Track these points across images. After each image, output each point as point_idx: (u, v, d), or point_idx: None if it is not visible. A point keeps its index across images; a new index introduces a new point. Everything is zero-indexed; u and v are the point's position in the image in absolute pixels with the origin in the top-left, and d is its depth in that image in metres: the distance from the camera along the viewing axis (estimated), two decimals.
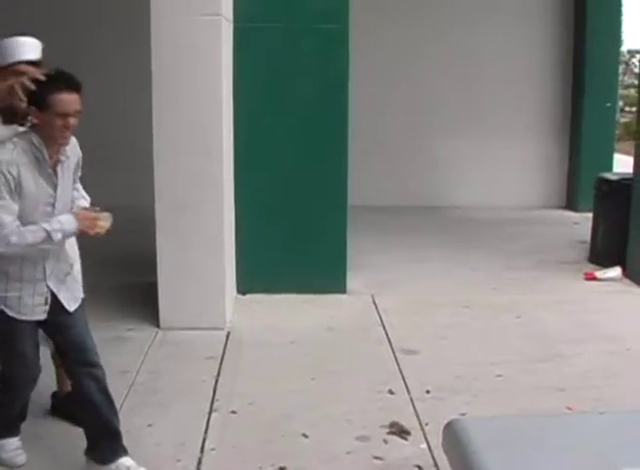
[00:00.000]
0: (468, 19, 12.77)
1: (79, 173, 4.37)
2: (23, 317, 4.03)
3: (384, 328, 6.86)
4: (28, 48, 4.46)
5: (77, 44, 11.67)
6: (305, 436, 4.77)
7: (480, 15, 12.78)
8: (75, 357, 4.21)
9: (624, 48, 25.76)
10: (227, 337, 6.52)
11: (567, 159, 13.51)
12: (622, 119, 23.81)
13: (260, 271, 7.50)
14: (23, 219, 3.83)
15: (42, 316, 4.09)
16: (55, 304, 4.12)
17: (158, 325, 6.61)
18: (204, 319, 6.56)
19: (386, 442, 4.74)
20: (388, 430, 4.87)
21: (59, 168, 4.00)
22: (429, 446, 4.65)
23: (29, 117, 3.95)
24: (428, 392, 5.49)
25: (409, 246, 10.00)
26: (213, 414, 5.06)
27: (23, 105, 3.97)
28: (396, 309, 7.35)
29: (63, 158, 4.02)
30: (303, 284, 7.48)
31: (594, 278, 8.64)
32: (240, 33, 7.11)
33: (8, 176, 3.75)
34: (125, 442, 4.33)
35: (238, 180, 7.23)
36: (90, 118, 11.62)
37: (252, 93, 7.26)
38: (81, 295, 4.37)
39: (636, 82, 10.71)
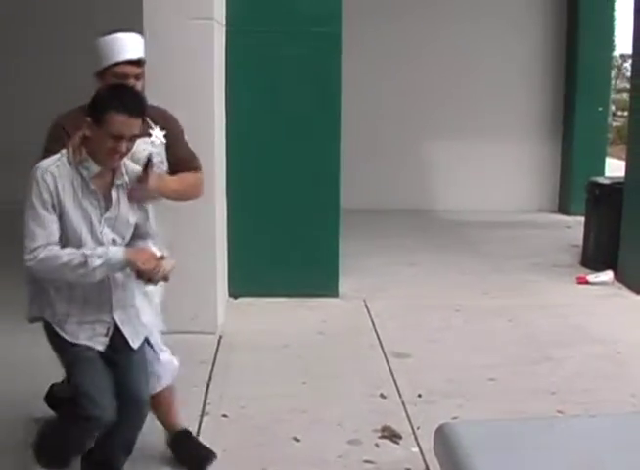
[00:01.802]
0: (460, 22, 12.79)
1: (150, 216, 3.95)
2: (82, 342, 3.71)
3: (375, 332, 6.86)
4: (128, 46, 4.12)
5: (69, 45, 11.67)
6: (297, 440, 4.77)
7: (472, 18, 12.81)
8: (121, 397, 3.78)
9: (617, 52, 25.80)
10: (219, 341, 6.51)
11: (559, 162, 13.55)
12: (615, 124, 23.86)
13: (252, 275, 7.49)
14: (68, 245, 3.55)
15: (100, 347, 3.74)
16: (117, 338, 3.80)
17: None
18: (195, 323, 6.53)
19: (377, 445, 4.74)
20: (379, 434, 4.86)
21: (113, 192, 3.66)
22: (420, 450, 4.65)
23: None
24: (419, 395, 5.49)
25: (401, 249, 10.00)
26: (205, 418, 5.05)
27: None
28: (388, 313, 7.35)
29: (119, 181, 3.68)
30: (295, 287, 7.48)
31: (586, 282, 8.66)
32: (232, 37, 7.11)
33: (42, 185, 3.48)
34: None
35: (230, 183, 7.22)
36: None
37: (245, 97, 7.26)
38: (145, 332, 4.00)
39: (628, 87, 10.72)
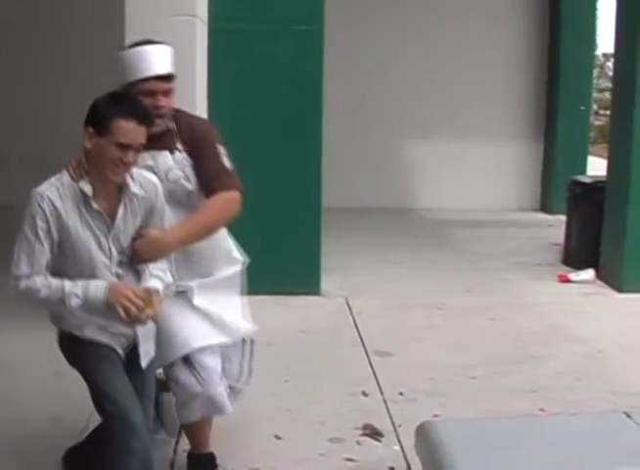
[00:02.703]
0: (442, 21, 12.83)
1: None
2: (103, 340, 3.50)
3: (357, 330, 6.86)
4: (156, 60, 3.81)
5: (49, 44, 11.66)
6: (278, 438, 4.77)
7: (454, 17, 12.84)
8: None
9: (599, 51, 25.88)
10: None
11: (541, 161, 13.60)
12: (597, 123, 23.94)
13: None
14: (70, 270, 3.37)
15: (120, 350, 3.54)
16: (132, 354, 3.60)
17: None
18: None
19: (359, 443, 4.74)
20: (361, 432, 4.87)
21: (120, 210, 3.44)
22: (402, 448, 4.65)
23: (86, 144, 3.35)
24: (401, 394, 5.49)
25: (383, 248, 10.01)
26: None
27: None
28: (370, 311, 7.36)
29: (126, 198, 3.44)
30: (277, 286, 7.46)
31: (567, 280, 8.69)
32: (214, 35, 7.09)
33: (38, 212, 3.28)
34: None
35: None
36: (64, 119, 11.61)
37: (227, 95, 7.24)
38: (152, 353, 3.70)
39: (610, 86, 10.76)
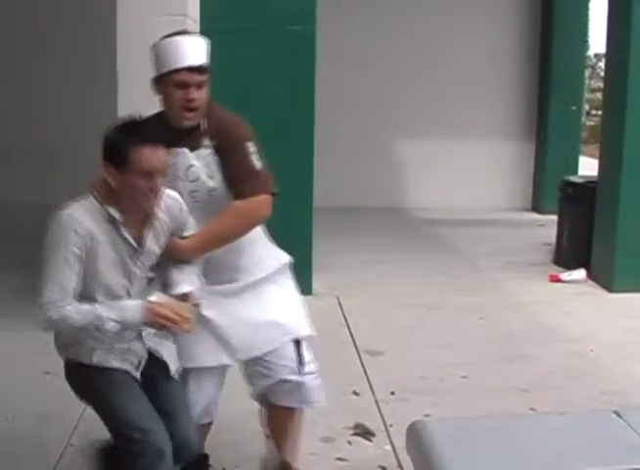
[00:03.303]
0: (433, 20, 12.84)
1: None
2: (113, 365, 3.39)
3: (349, 329, 6.86)
4: (189, 50, 3.68)
5: (36, 44, 11.67)
6: (268, 437, 4.75)
7: (445, 17, 12.86)
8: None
9: (591, 52, 25.96)
10: None
11: (532, 161, 13.62)
12: (589, 123, 23.99)
13: None
14: (87, 291, 3.26)
15: (133, 371, 3.44)
16: (153, 363, 3.51)
17: None
18: None
19: (350, 443, 4.74)
20: (352, 431, 4.87)
21: (148, 238, 3.39)
22: (393, 448, 4.66)
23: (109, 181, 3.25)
24: (392, 393, 5.49)
25: (374, 247, 10.01)
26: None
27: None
28: (361, 311, 7.36)
29: (154, 225, 3.40)
30: None
31: (559, 280, 8.70)
32: (205, 34, 7.08)
33: (70, 235, 3.16)
34: (86, 446, 4.29)
35: None
36: (53, 119, 11.55)
37: (217, 95, 7.23)
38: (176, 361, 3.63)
39: (602, 86, 10.81)
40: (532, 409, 5.18)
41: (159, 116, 3.75)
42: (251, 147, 3.77)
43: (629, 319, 7.46)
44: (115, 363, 3.40)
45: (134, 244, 3.33)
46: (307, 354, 3.96)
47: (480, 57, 13.10)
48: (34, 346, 6.12)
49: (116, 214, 3.26)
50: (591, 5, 14.06)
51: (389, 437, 4.81)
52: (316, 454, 4.57)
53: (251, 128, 3.88)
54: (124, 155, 3.17)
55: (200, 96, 3.65)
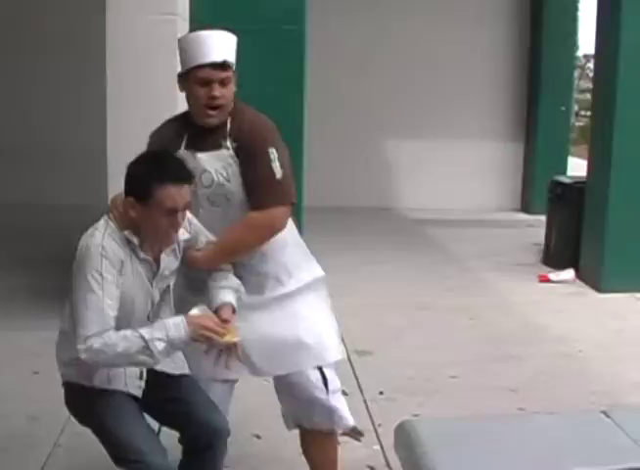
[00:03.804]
0: (424, 21, 12.86)
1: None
2: (117, 387, 3.31)
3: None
4: (212, 46, 3.54)
5: (26, 42, 11.65)
6: (258, 437, 4.77)
7: (436, 17, 12.88)
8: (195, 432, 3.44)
9: (580, 53, 25.99)
10: None
11: (522, 161, 13.66)
12: (578, 123, 24.04)
13: None
14: (122, 315, 3.16)
15: (137, 392, 3.37)
16: (154, 378, 3.43)
17: None
18: None
19: (338, 443, 4.73)
20: (340, 431, 4.86)
21: (164, 258, 3.34)
22: (382, 448, 4.66)
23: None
24: (381, 393, 5.49)
25: (364, 247, 10.01)
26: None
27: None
28: (351, 310, 7.31)
29: (174, 246, 3.36)
30: None
31: (548, 280, 8.73)
32: None
33: (103, 262, 3.09)
34: (78, 443, 4.28)
35: None
36: (42, 118, 11.55)
37: None
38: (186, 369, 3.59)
39: (591, 87, 10.87)
40: (521, 409, 5.19)
41: (184, 115, 3.70)
42: (273, 153, 3.61)
43: (618, 320, 7.49)
44: (116, 384, 3.32)
45: (152, 263, 3.28)
46: (329, 373, 3.85)
47: (469, 58, 13.12)
48: (23, 346, 6.15)
49: (134, 239, 3.20)
50: (580, 6, 14.12)
51: (378, 437, 4.81)
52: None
53: (275, 132, 3.75)
54: (148, 192, 3.09)
55: (224, 93, 3.55)
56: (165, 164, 3.19)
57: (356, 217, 11.93)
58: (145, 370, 3.38)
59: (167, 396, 3.45)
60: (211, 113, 3.54)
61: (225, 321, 3.27)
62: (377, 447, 4.68)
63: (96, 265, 3.08)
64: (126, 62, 6.34)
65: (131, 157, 6.01)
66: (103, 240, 3.14)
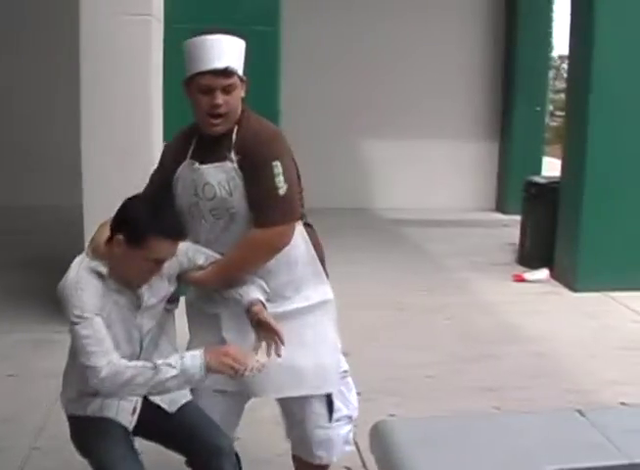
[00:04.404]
0: (399, 20, 12.86)
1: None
2: (108, 415, 3.30)
3: None
4: (213, 52, 3.38)
5: (3, 44, 11.59)
6: (236, 438, 4.75)
7: (411, 16, 12.89)
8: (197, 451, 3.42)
9: (555, 53, 26.10)
10: None
11: (497, 161, 13.70)
12: (553, 124, 24.12)
13: None
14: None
15: (127, 423, 3.32)
16: (148, 408, 3.38)
17: None
18: None
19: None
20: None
21: (144, 289, 3.27)
22: (357, 448, 4.64)
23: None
24: (358, 393, 5.48)
25: (340, 248, 9.96)
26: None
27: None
28: None
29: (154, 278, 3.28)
30: None
31: (522, 279, 8.76)
32: (171, 34, 7.07)
33: (81, 297, 3.07)
34: (55, 446, 4.26)
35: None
36: (18, 118, 11.47)
37: (182, 95, 7.20)
38: (188, 397, 3.51)
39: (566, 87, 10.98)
40: (497, 408, 5.22)
41: (196, 123, 3.58)
42: (278, 167, 3.44)
43: (592, 319, 7.53)
44: (107, 413, 3.30)
45: (134, 297, 3.24)
46: (337, 401, 3.81)
47: (445, 58, 13.15)
48: None
49: (102, 269, 3.16)
50: (555, 7, 14.18)
51: (354, 437, 4.80)
52: (282, 455, 4.55)
53: (281, 142, 3.60)
54: (142, 240, 3.06)
55: (227, 101, 3.40)
56: (164, 217, 3.12)
57: (332, 218, 11.88)
58: (139, 406, 3.35)
59: (167, 423, 3.41)
60: (215, 121, 3.42)
61: (262, 323, 3.31)
62: (353, 448, 4.67)
63: (75, 302, 3.07)
64: (100, 62, 6.32)
65: (105, 157, 5.99)
66: (77, 274, 3.14)
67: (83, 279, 3.12)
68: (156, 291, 3.32)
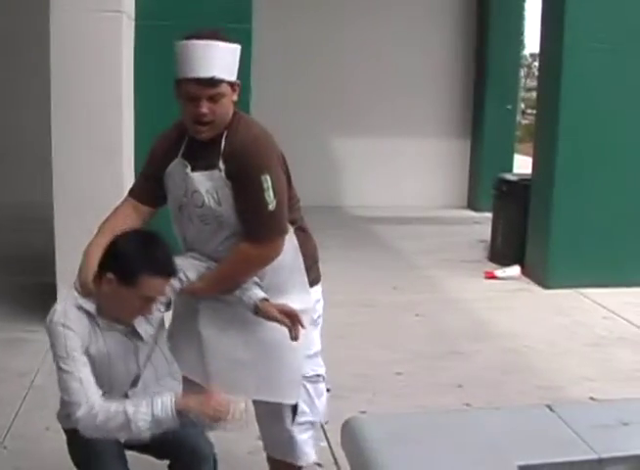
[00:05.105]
0: (370, 17, 12.86)
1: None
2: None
3: None
4: (200, 59, 3.25)
5: None
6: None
7: (382, 13, 12.89)
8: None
9: (527, 52, 26.26)
10: None
11: (468, 159, 13.74)
12: (524, 122, 24.27)
13: None
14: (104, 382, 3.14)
15: (121, 439, 3.24)
16: None
17: None
18: None
19: None
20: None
21: (138, 324, 3.24)
22: (329, 444, 4.66)
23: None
24: (328, 390, 5.47)
25: None
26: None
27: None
28: None
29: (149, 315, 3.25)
30: None
31: (494, 277, 8.79)
32: (142, 31, 7.04)
33: (65, 335, 3.03)
34: (23, 445, 4.25)
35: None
36: None
37: (154, 92, 7.18)
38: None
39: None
40: (467, 405, 5.24)
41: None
42: (267, 181, 3.38)
43: (563, 315, 7.57)
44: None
45: (129, 332, 3.23)
46: (302, 405, 3.80)
47: (416, 56, 13.17)
48: None
49: (89, 306, 3.13)
50: (527, 5, 14.25)
51: (325, 434, 4.80)
52: (253, 452, 4.57)
53: (269, 151, 3.55)
54: (134, 278, 3.02)
55: (214, 109, 3.31)
56: (156, 255, 3.07)
57: (304, 216, 11.91)
58: None
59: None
60: (201, 128, 3.36)
61: (289, 315, 3.38)
62: (324, 444, 4.67)
63: (62, 341, 3.04)
64: (71, 59, 6.28)
65: (76, 155, 5.95)
66: (64, 310, 3.09)
67: (71, 316, 3.08)
68: (151, 319, 3.30)
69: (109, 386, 3.17)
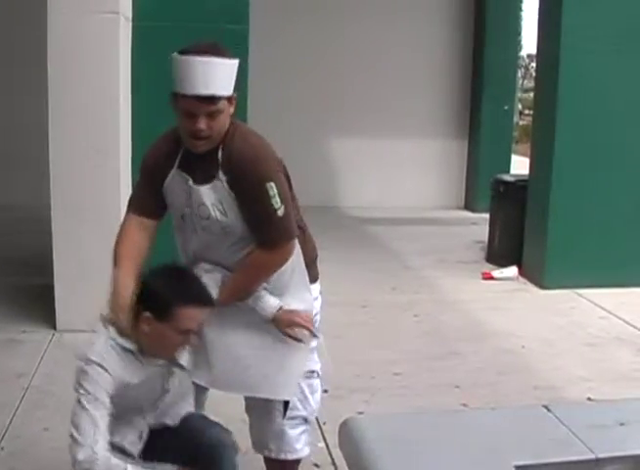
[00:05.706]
0: (367, 18, 12.86)
1: None
2: (114, 440, 3.23)
3: None
4: (199, 75, 3.24)
5: None
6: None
7: (380, 15, 12.89)
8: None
9: (524, 52, 26.30)
10: None
11: (465, 160, 13.74)
12: (521, 122, 24.29)
13: None
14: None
15: (134, 450, 3.33)
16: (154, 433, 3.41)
17: (54, 327, 6.48)
18: None
19: None
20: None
21: (184, 357, 3.33)
22: (327, 445, 4.67)
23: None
24: (326, 391, 5.45)
25: None
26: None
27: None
28: None
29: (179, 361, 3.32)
30: None
31: (491, 277, 8.80)
32: (139, 32, 7.04)
33: (98, 378, 3.05)
34: (21, 446, 4.24)
35: (135, 182, 7.15)
36: None
37: (151, 94, 7.17)
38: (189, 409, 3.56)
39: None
40: (465, 405, 5.24)
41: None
42: (272, 188, 3.41)
43: (560, 316, 7.57)
44: (114, 438, 3.23)
45: (163, 364, 3.26)
46: (295, 400, 3.81)
47: (414, 57, 13.17)
48: None
49: (131, 346, 3.15)
50: (524, 6, 14.26)
51: (323, 434, 4.82)
52: (248, 453, 4.54)
53: (268, 157, 3.57)
54: (170, 312, 3.05)
55: (211, 125, 3.31)
56: (189, 285, 3.14)
57: (302, 216, 11.92)
58: (145, 433, 3.36)
59: (172, 436, 3.43)
60: (198, 143, 3.35)
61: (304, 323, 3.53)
62: (322, 445, 4.70)
63: (93, 379, 3.05)
64: (68, 60, 6.28)
65: (73, 156, 5.96)
66: (103, 350, 3.10)
67: (108, 357, 3.09)
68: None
69: (129, 407, 3.20)
